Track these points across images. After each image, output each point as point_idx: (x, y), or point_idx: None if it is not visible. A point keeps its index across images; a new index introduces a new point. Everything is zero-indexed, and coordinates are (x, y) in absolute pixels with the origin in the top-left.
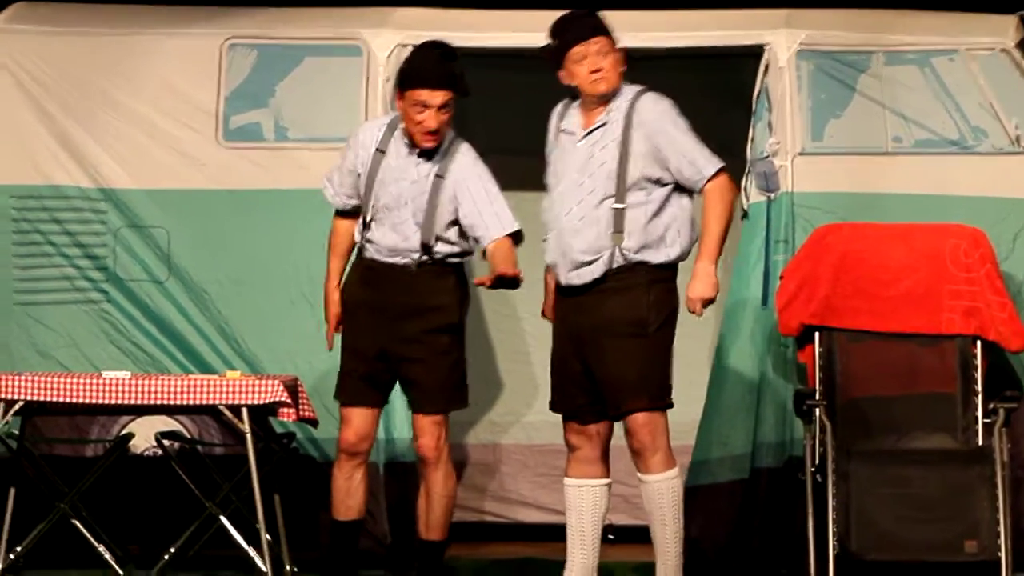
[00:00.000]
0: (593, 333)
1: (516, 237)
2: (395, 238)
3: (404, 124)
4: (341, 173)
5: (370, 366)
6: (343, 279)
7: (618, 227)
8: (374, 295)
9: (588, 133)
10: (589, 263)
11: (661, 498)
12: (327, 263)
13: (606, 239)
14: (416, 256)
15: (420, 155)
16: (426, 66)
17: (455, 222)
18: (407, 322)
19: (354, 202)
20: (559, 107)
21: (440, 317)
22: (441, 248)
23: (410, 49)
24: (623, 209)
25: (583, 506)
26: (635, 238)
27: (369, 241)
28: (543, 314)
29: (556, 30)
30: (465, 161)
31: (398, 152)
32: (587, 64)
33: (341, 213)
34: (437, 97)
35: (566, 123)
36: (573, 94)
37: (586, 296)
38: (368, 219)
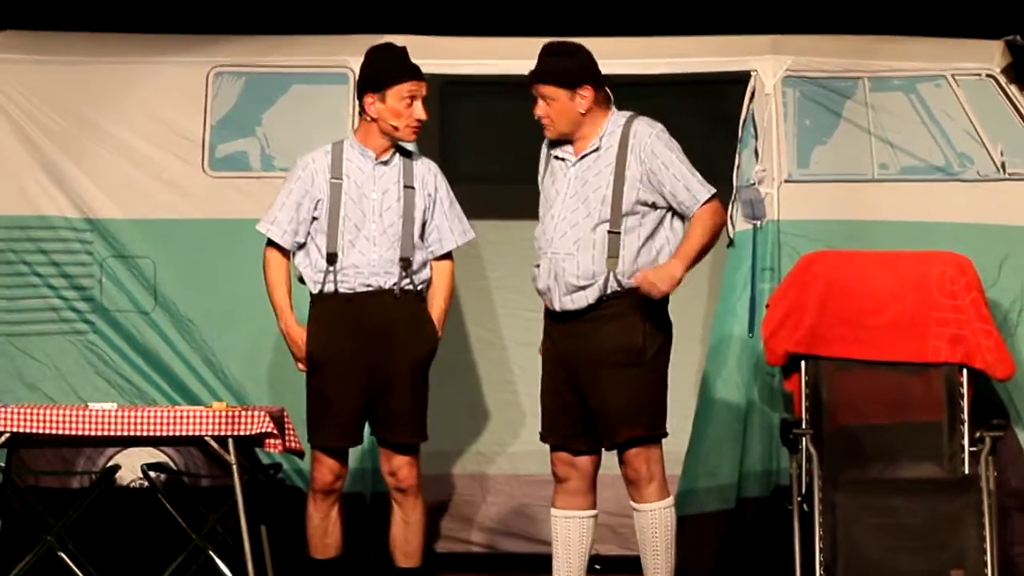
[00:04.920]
0: (588, 361)
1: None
2: (376, 252)
3: (392, 123)
4: (288, 210)
5: (357, 409)
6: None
7: (613, 252)
8: (355, 330)
9: (581, 158)
10: (583, 288)
11: (655, 528)
12: (274, 300)
13: (600, 264)
14: (397, 273)
15: (384, 165)
16: (405, 60)
17: (422, 234)
18: (395, 353)
19: (300, 240)
20: None
21: (424, 346)
22: (416, 258)
23: None
24: (618, 234)
25: (570, 537)
26: (629, 262)
27: (341, 271)
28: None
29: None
30: (431, 169)
31: (359, 168)
32: (536, 109)
33: (279, 249)
34: (424, 88)
35: (558, 150)
36: None
37: (579, 323)
38: (334, 250)
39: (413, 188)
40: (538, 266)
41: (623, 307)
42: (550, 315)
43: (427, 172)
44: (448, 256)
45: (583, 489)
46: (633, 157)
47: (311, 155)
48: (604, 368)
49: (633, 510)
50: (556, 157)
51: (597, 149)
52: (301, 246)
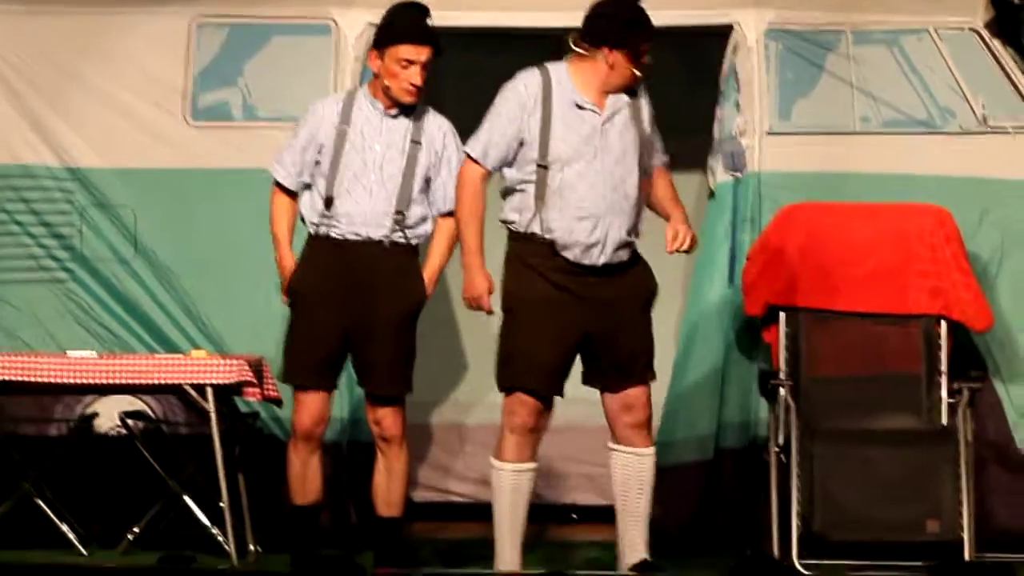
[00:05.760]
0: (625, 303)
1: None
2: (370, 203)
3: (386, 82)
4: (294, 151)
5: (331, 350)
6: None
7: (640, 208)
8: (342, 274)
9: (613, 115)
10: (629, 245)
11: (648, 472)
12: (273, 230)
13: (638, 220)
14: (389, 225)
15: (392, 118)
16: (412, 23)
17: (424, 188)
18: (379, 303)
19: (305, 180)
20: (538, 75)
21: (411, 299)
22: (413, 212)
23: None
24: (640, 191)
25: (522, 490)
26: (641, 217)
27: (334, 218)
28: (475, 295)
29: (632, 18)
30: (442, 127)
31: (367, 119)
32: (642, 63)
33: (286, 191)
34: (423, 53)
35: (574, 95)
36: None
37: (604, 273)
38: (331, 195)
39: (420, 144)
40: (582, 219)
41: (632, 257)
42: (574, 265)
43: (437, 129)
44: (452, 214)
45: (538, 440)
46: (645, 116)
47: (323, 101)
48: (634, 310)
49: (621, 453)
50: (578, 105)
51: (618, 106)
52: (308, 187)
